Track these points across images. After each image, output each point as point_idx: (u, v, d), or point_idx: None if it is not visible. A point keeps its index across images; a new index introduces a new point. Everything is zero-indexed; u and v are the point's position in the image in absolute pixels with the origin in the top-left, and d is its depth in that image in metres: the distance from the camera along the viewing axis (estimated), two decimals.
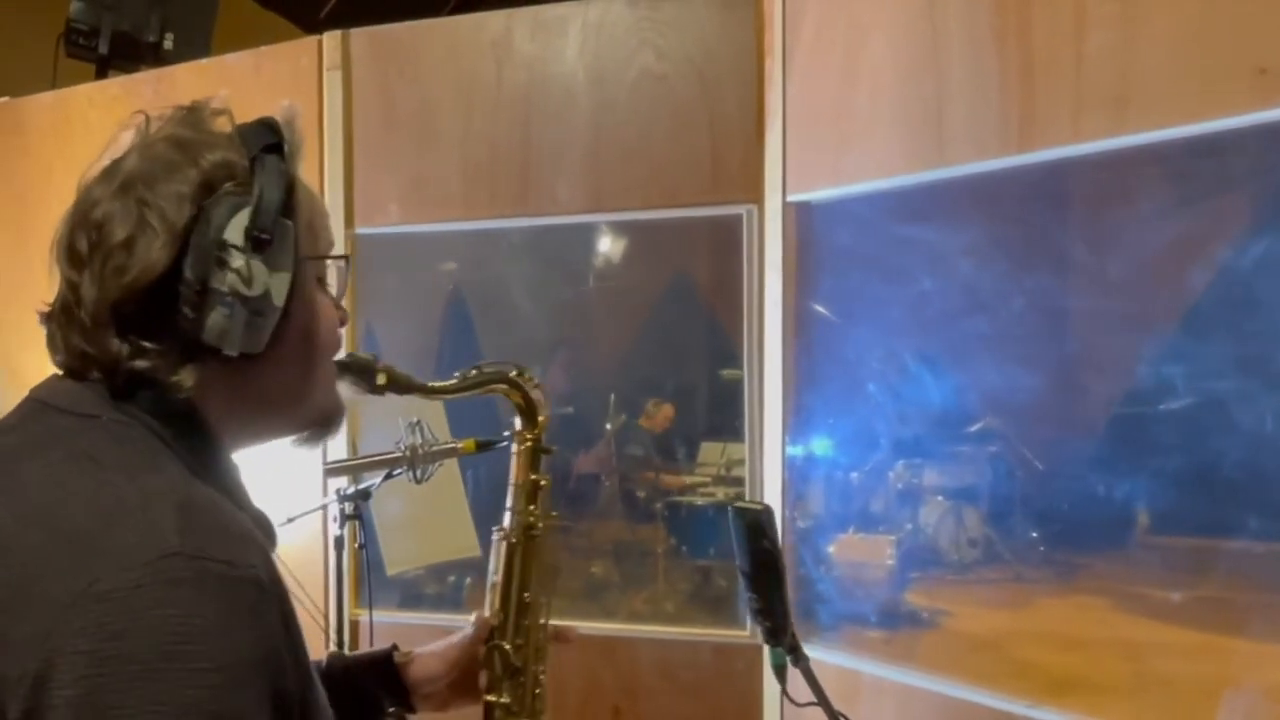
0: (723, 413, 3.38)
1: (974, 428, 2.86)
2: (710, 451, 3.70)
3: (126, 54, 3.23)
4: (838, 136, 2.22)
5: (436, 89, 2.59)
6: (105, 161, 1.04)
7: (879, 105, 2.14)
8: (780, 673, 1.47)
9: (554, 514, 1.53)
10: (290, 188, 1.04)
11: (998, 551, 2.87)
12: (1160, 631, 2.43)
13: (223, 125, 1.07)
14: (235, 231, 0.99)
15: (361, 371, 1.34)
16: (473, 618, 1.47)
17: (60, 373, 1.06)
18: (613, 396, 3.44)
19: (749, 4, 2.36)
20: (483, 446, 1.68)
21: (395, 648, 1.46)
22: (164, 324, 0.99)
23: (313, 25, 4.24)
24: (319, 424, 1.16)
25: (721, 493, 3.56)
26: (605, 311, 3.69)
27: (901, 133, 2.10)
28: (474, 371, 1.47)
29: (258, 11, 5.46)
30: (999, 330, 2.58)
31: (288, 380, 1.10)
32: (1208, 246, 2.24)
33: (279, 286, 1.02)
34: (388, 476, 2.18)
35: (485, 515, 3.01)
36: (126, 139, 1.06)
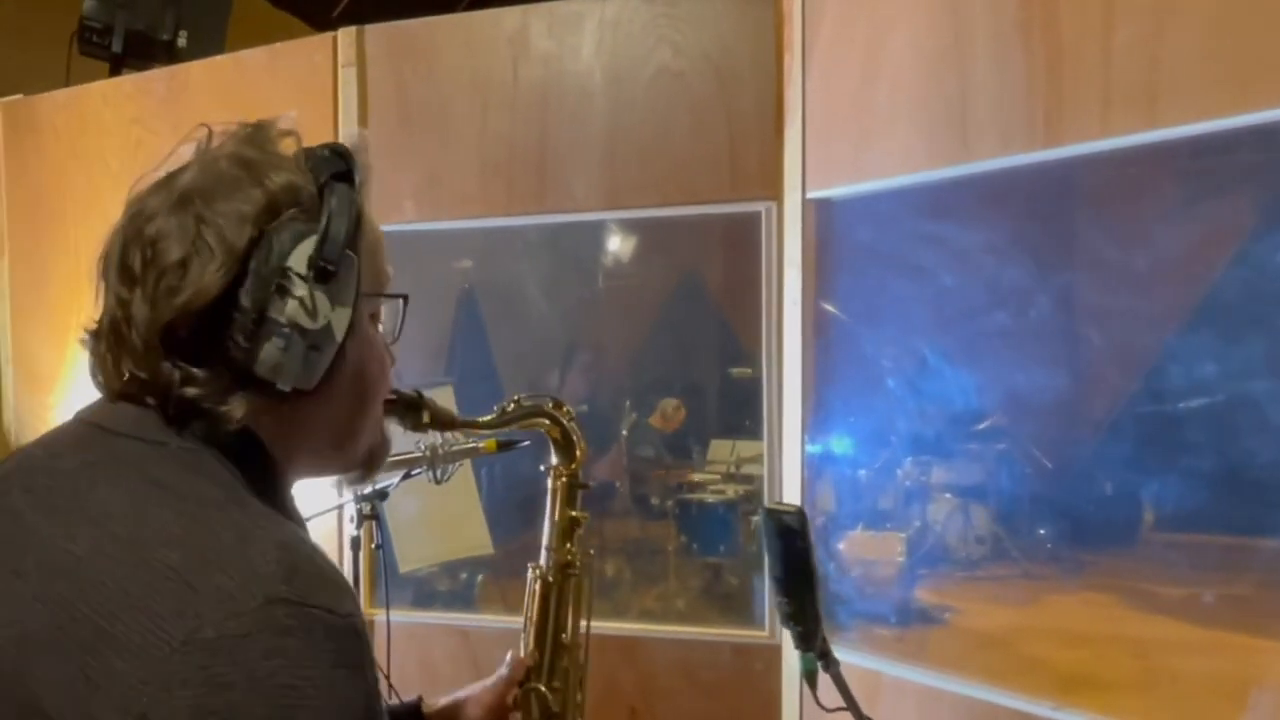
0: (732, 411, 3.39)
1: (987, 424, 2.83)
2: (720, 449, 3.70)
3: (140, 52, 3.20)
4: (858, 132, 2.18)
5: (452, 86, 2.55)
6: (161, 173, 0.99)
7: (900, 101, 2.11)
8: (811, 679, 1.43)
9: (590, 551, 1.50)
10: (358, 219, 0.99)
11: (1007, 549, 2.84)
12: (1168, 628, 2.41)
13: (289, 147, 1.01)
14: (299, 260, 0.94)
15: (408, 409, 1.29)
16: (507, 658, 1.42)
17: (108, 398, 1.01)
18: (628, 401, 3.41)
19: (767, 1, 2.33)
20: (504, 447, 1.66)
21: (421, 700, 1.40)
22: (214, 351, 0.93)
23: (325, 24, 4.21)
24: (365, 464, 1.12)
25: (731, 490, 3.57)
26: (616, 310, 3.67)
27: (924, 128, 2.07)
28: (512, 406, 1.43)
29: (270, 10, 5.42)
30: (1016, 328, 2.55)
31: (337, 419, 1.05)
32: (1230, 244, 2.21)
33: (339, 321, 0.97)
34: (406, 476, 2.15)
35: (498, 514, 2.99)
36: (186, 152, 1.01)
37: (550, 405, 1.46)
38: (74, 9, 3.20)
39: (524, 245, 3.00)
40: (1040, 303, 2.50)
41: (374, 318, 1.08)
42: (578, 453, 1.47)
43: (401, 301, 1.12)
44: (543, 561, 1.47)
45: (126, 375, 0.95)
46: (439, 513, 2.87)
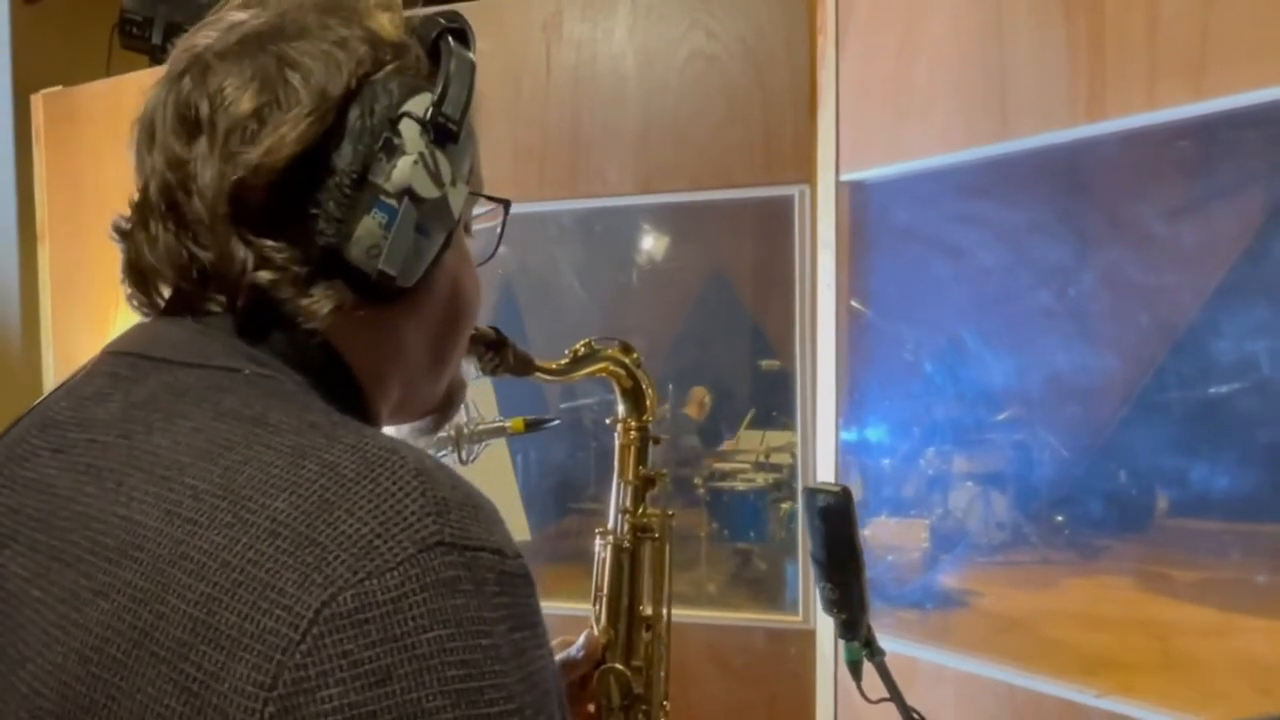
0: (761, 402, 3.36)
1: (1018, 412, 2.75)
2: (749, 438, 3.71)
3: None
4: (894, 113, 2.10)
5: (484, 70, 2.46)
6: (216, 27, 0.76)
7: (938, 80, 2.02)
8: (855, 669, 1.33)
9: (670, 512, 1.29)
10: (474, 91, 0.79)
11: (1034, 534, 2.77)
12: (1185, 612, 2.37)
13: (385, 10, 0.79)
14: (415, 110, 0.74)
15: (490, 347, 1.08)
16: (580, 639, 1.22)
17: (146, 305, 0.79)
18: (670, 386, 3.35)
19: None
20: (531, 426, 1.46)
21: None
22: (295, 227, 0.72)
23: None
24: (442, 406, 0.91)
25: (761, 478, 3.59)
26: (647, 298, 3.62)
27: (962, 106, 1.98)
28: (583, 348, 1.24)
29: None
30: (1050, 311, 2.47)
31: (428, 340, 0.83)
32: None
33: (456, 200, 0.77)
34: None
35: (534, 500, 2.94)
36: (244, 14, 0.76)
37: (619, 349, 1.27)
38: (114, 2, 3.16)
39: (558, 231, 2.94)
40: (1076, 285, 2.41)
41: (466, 227, 0.88)
42: (648, 402, 1.28)
43: (502, 212, 0.92)
44: (613, 526, 1.27)
45: (185, 263, 0.73)
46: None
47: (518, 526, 2.72)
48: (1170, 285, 2.35)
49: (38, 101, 3.04)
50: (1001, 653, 2.01)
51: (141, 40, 3.14)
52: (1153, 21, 1.68)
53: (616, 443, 1.29)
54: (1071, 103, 1.80)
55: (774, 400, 3.46)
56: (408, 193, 0.73)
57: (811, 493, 1.30)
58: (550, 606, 2.34)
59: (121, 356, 0.76)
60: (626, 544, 1.26)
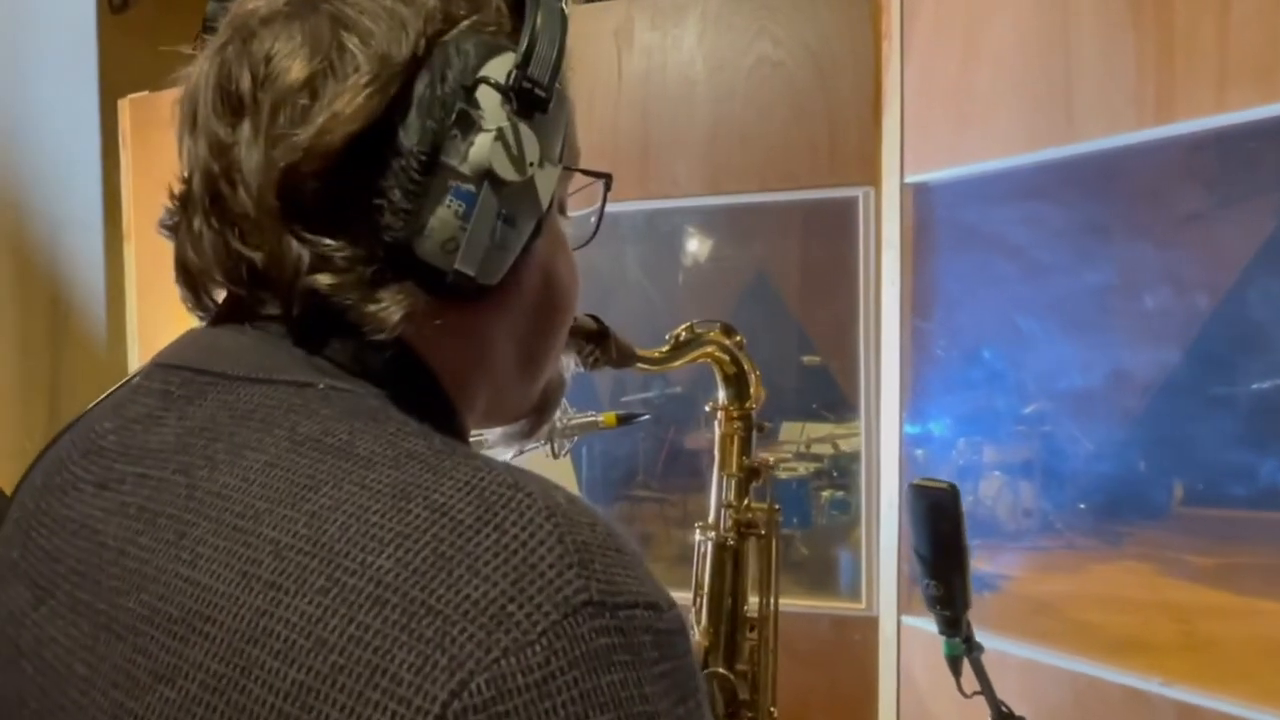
0: (802, 395, 3.41)
1: (1075, 404, 2.76)
2: (790, 430, 3.79)
3: None
4: (958, 117, 2.10)
5: None
6: None
7: (1002, 84, 2.02)
8: (955, 665, 1.29)
9: (776, 506, 1.17)
10: (566, 47, 0.63)
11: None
12: (1206, 595, 2.38)
13: None
14: (495, 76, 0.59)
15: (590, 339, 0.96)
16: None
17: (195, 304, 0.66)
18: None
19: None
20: (624, 420, 1.33)
21: None
22: (356, 219, 0.58)
23: None
24: (538, 410, 0.77)
25: (803, 468, 3.66)
26: (699, 291, 3.66)
27: (1027, 110, 1.98)
28: (684, 332, 1.13)
29: None
30: (1100, 310, 2.47)
31: (518, 341, 0.69)
32: None
33: (544, 184, 0.62)
34: (521, 450, 2.06)
35: (591, 491, 2.96)
36: None
37: (719, 331, 1.15)
38: (198, 11, 3.20)
39: (627, 229, 2.96)
40: (1132, 284, 2.41)
41: (561, 208, 0.74)
42: (751, 389, 1.16)
43: (604, 186, 0.77)
44: (713, 519, 1.16)
45: (233, 264, 0.60)
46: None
47: None
48: (1220, 283, 2.35)
49: (124, 106, 3.09)
50: (1061, 639, 2.01)
51: None
52: (1223, 25, 1.67)
53: (717, 431, 1.19)
54: (1139, 105, 1.79)
55: (814, 394, 3.54)
56: (487, 176, 0.59)
57: (917, 489, 1.24)
58: None
59: (173, 370, 0.63)
60: (730, 541, 1.15)
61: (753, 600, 1.17)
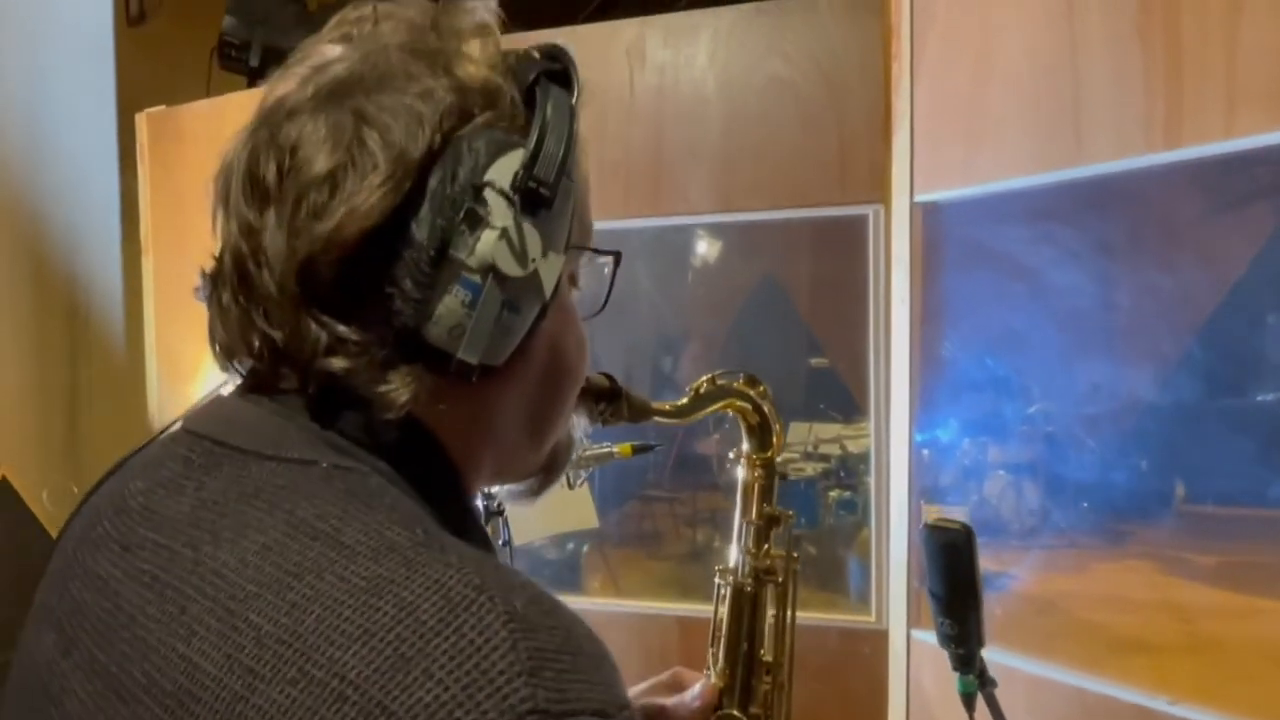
0: (809, 397, 3.46)
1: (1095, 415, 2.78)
2: (798, 431, 3.86)
3: (276, 66, 3.21)
4: (966, 138, 2.11)
5: None
6: (306, 67, 0.69)
7: (1011, 106, 2.03)
8: (969, 701, 1.28)
9: (795, 555, 1.19)
10: (574, 138, 0.68)
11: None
12: (1208, 595, 2.39)
13: (479, 46, 0.69)
14: (502, 176, 0.63)
15: (602, 399, 0.98)
16: (696, 686, 1.11)
17: (227, 390, 0.71)
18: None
19: (875, 12, 2.27)
20: (638, 450, 1.39)
21: None
22: (371, 305, 0.63)
23: None
24: (546, 469, 0.82)
25: (810, 468, 3.73)
26: (707, 303, 3.71)
27: (1036, 132, 1.99)
28: (705, 386, 1.14)
29: None
30: (1098, 327, 2.49)
31: (525, 412, 0.73)
32: None
33: (548, 273, 0.66)
34: None
35: (602, 484, 2.99)
36: (331, 52, 0.68)
37: (743, 382, 1.16)
38: (214, 26, 3.22)
39: (638, 245, 2.99)
40: (1133, 300, 2.42)
41: (572, 280, 0.78)
42: (774, 439, 1.17)
43: (613, 262, 0.81)
44: (734, 564, 1.17)
45: (256, 340, 0.65)
46: (549, 492, 2.85)
47: (586, 515, 2.75)
48: (1222, 305, 2.37)
49: (142, 120, 3.10)
50: (1071, 656, 2.02)
51: (240, 62, 3.21)
52: (1231, 51, 1.68)
53: (739, 478, 1.20)
54: (1147, 129, 1.80)
55: (821, 396, 3.60)
56: (492, 270, 0.63)
57: (931, 529, 1.24)
58: (622, 605, 2.37)
59: (197, 439, 0.68)
60: (748, 587, 1.16)
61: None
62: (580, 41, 2.56)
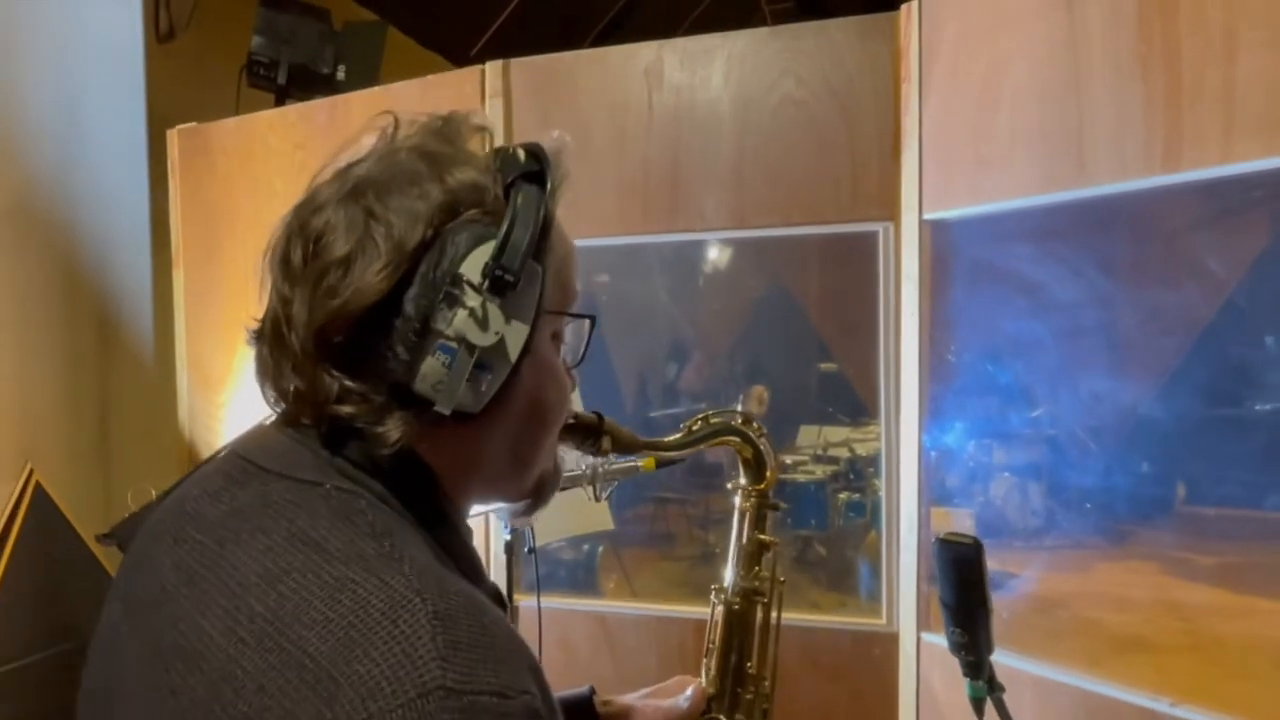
0: (819, 402, 3.51)
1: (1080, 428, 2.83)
2: (808, 434, 3.91)
3: (303, 84, 3.29)
4: (975, 158, 2.17)
5: (591, 114, 2.58)
6: (341, 163, 0.86)
7: (1018, 129, 2.09)
8: (979, 707, 1.34)
9: (781, 579, 1.29)
10: (546, 226, 0.83)
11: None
12: (1207, 594, 2.44)
13: (480, 145, 0.87)
14: (473, 266, 0.78)
15: (587, 435, 1.11)
16: (688, 691, 1.23)
17: (268, 420, 0.87)
18: (758, 388, 3.52)
19: (886, 35, 2.33)
20: (663, 464, 1.45)
21: (593, 690, 1.21)
22: (372, 364, 0.79)
23: (464, 60, 4.31)
24: (534, 494, 0.95)
25: (820, 470, 3.80)
26: (722, 313, 3.77)
27: (1041, 155, 2.05)
28: (699, 424, 1.26)
29: (417, 48, 5.60)
30: (1098, 341, 2.54)
31: (507, 448, 0.88)
32: None
33: (515, 339, 0.81)
34: (562, 489, 2.11)
35: (618, 493, 3.05)
36: (368, 143, 0.87)
37: (740, 421, 1.28)
38: (243, 45, 3.29)
39: (654, 259, 3.05)
40: (1135, 312, 2.48)
41: (556, 337, 0.91)
42: (768, 473, 1.29)
43: (588, 323, 0.95)
44: (728, 584, 1.28)
45: (287, 386, 0.82)
46: (565, 496, 2.91)
47: (601, 519, 2.81)
48: (1217, 318, 2.42)
49: (173, 136, 3.17)
50: (1092, 663, 2.08)
51: (268, 80, 3.28)
52: (1229, 79, 1.74)
53: (735, 506, 1.31)
54: (1148, 154, 1.86)
55: (830, 400, 3.66)
56: (463, 339, 0.78)
57: (943, 543, 1.29)
58: (637, 607, 2.42)
59: (238, 459, 0.84)
60: (737, 605, 1.27)
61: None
62: (600, 62, 2.65)
